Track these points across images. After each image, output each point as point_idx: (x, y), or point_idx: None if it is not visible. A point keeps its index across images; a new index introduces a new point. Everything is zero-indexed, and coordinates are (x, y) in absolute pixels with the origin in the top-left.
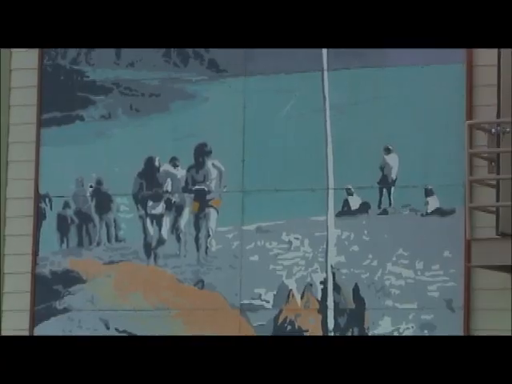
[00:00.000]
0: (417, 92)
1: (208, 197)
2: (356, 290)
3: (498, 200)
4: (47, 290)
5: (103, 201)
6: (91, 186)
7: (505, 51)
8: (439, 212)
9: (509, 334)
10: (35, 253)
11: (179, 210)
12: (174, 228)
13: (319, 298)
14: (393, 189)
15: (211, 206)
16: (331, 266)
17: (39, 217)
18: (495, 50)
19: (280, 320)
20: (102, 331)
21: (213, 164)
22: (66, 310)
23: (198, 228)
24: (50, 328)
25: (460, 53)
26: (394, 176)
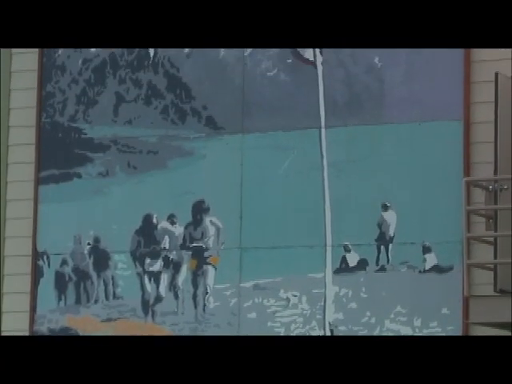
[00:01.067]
0: (414, 149)
1: (206, 254)
2: None
3: (495, 257)
4: None
5: (101, 258)
6: (89, 244)
7: (502, 108)
8: (437, 269)
9: None
10: (33, 310)
11: (177, 267)
12: (172, 285)
13: None
14: (390, 246)
15: (209, 263)
16: (329, 323)
17: (37, 274)
18: (492, 107)
19: None
20: None
21: (210, 221)
22: None
23: (195, 285)
24: None
25: (457, 110)
26: (391, 233)
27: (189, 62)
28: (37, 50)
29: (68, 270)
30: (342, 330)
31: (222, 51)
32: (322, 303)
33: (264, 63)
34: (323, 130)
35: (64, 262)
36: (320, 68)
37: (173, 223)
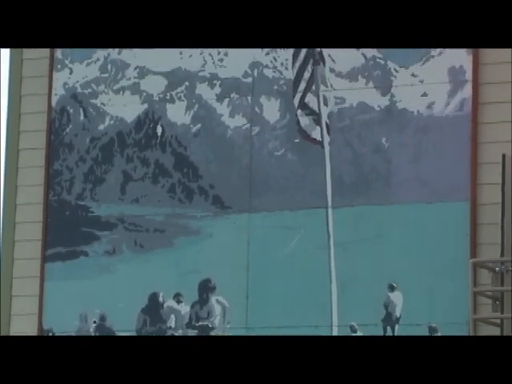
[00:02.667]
0: (421, 229)
1: (212, 333)
2: None
3: None
4: None
5: None
6: (95, 322)
7: (508, 189)
8: None
9: None
10: None
11: None
12: None
13: None
14: (397, 326)
15: None
16: None
17: None
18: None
19: None
20: None
21: (217, 300)
22: None
23: None
24: None
25: (464, 191)
26: (398, 314)
27: (196, 140)
28: (45, 128)
29: None
30: None
31: (230, 131)
32: None
33: (271, 143)
34: (330, 210)
35: None
36: (327, 148)
37: (179, 302)
